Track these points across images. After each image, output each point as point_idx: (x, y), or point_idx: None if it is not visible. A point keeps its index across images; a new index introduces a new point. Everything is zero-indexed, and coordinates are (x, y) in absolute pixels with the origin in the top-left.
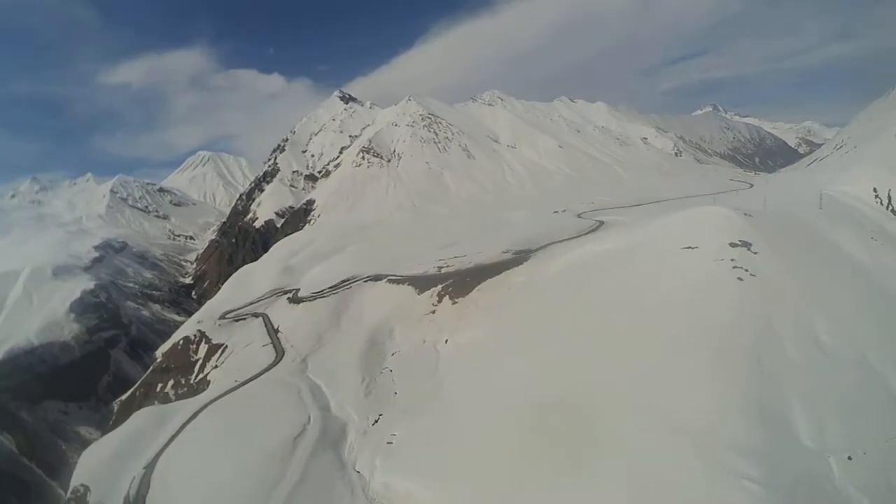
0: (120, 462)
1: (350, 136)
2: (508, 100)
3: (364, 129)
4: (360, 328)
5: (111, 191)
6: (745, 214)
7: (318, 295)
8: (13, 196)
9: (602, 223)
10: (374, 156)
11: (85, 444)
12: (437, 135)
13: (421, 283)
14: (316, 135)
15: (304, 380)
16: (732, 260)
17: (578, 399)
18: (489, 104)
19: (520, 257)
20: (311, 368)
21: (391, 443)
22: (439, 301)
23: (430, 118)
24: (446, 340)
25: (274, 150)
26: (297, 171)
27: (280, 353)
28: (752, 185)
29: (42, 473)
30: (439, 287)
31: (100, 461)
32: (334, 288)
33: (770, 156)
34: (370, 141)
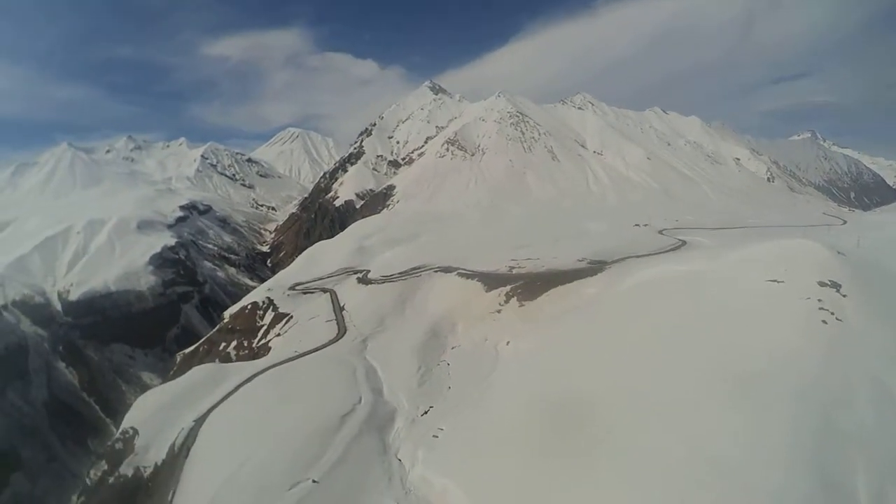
0: (172, 411)
1: (437, 127)
2: (599, 105)
3: (451, 121)
4: (423, 317)
5: (202, 156)
6: (839, 253)
7: (387, 279)
8: (108, 151)
9: (684, 243)
10: (458, 148)
11: (145, 388)
12: (523, 133)
13: (490, 280)
14: (403, 122)
15: (361, 360)
16: (819, 300)
17: (624, 428)
18: (579, 108)
19: (594, 268)
20: (370, 350)
21: (436, 436)
22: (506, 301)
23: (517, 116)
24: (507, 343)
25: (361, 133)
26: (381, 156)
27: (342, 331)
28: (844, 222)
29: (99, 410)
30: (508, 287)
31: (153, 408)
32: (403, 274)
33: (866, 192)
34: (456, 133)
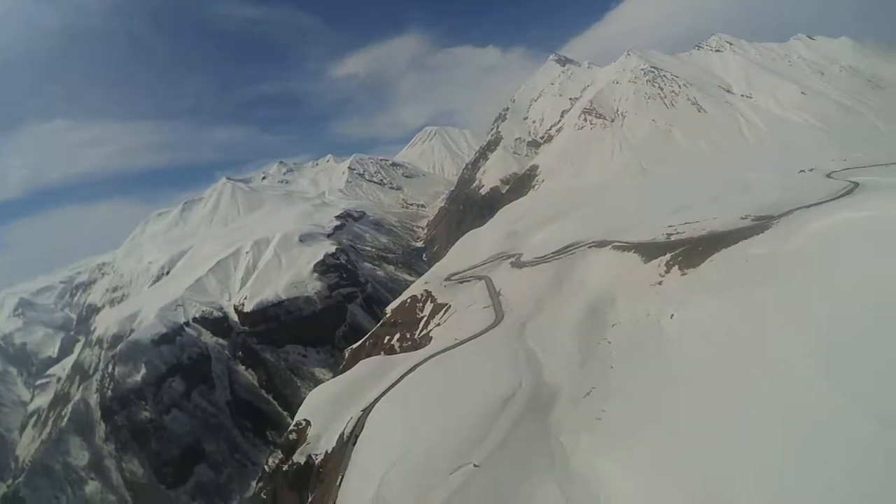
0: (342, 403)
1: (570, 99)
2: (738, 43)
3: (584, 90)
4: (580, 295)
5: (349, 168)
6: None
7: (541, 260)
8: (264, 178)
9: (856, 185)
10: (596, 117)
11: (318, 383)
12: (661, 89)
13: (648, 250)
14: (536, 101)
15: (520, 343)
16: None
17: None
18: (717, 50)
19: (760, 224)
20: (528, 333)
21: (600, 419)
22: (667, 271)
23: (653, 72)
24: (671, 316)
25: (496, 120)
26: (519, 139)
27: (499, 316)
28: None
29: (277, 405)
30: (667, 256)
31: (324, 400)
32: (557, 253)
33: None
34: (591, 102)
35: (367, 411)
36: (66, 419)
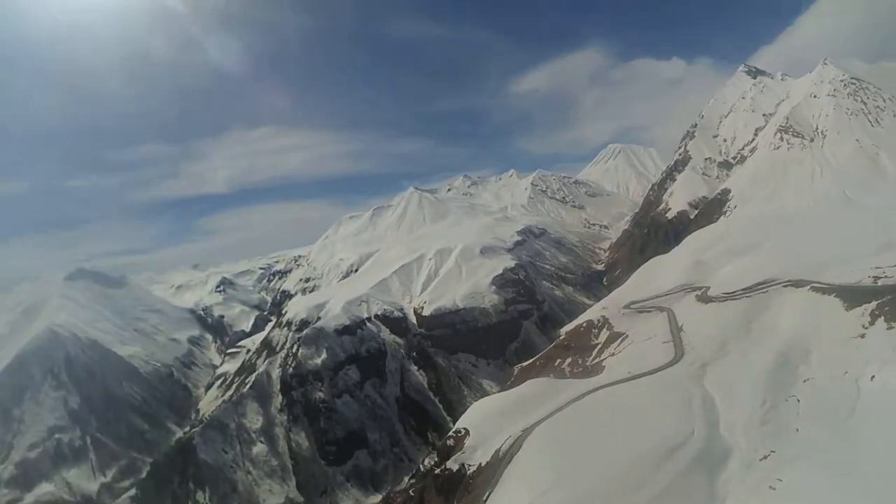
0: (503, 418)
1: (764, 115)
2: None
3: (779, 104)
4: (770, 342)
5: (532, 184)
6: None
7: (730, 296)
8: (449, 190)
9: None
10: (793, 135)
11: (484, 394)
12: (865, 104)
13: (851, 295)
14: (726, 117)
15: (698, 387)
16: None
17: None
18: None
19: None
20: (708, 376)
21: (775, 488)
22: (871, 322)
23: (854, 83)
24: (873, 377)
25: (683, 138)
26: (709, 158)
27: (679, 354)
28: None
29: (442, 409)
30: (874, 304)
31: (487, 413)
32: (748, 290)
33: None
34: (787, 118)
35: (526, 432)
36: (248, 386)
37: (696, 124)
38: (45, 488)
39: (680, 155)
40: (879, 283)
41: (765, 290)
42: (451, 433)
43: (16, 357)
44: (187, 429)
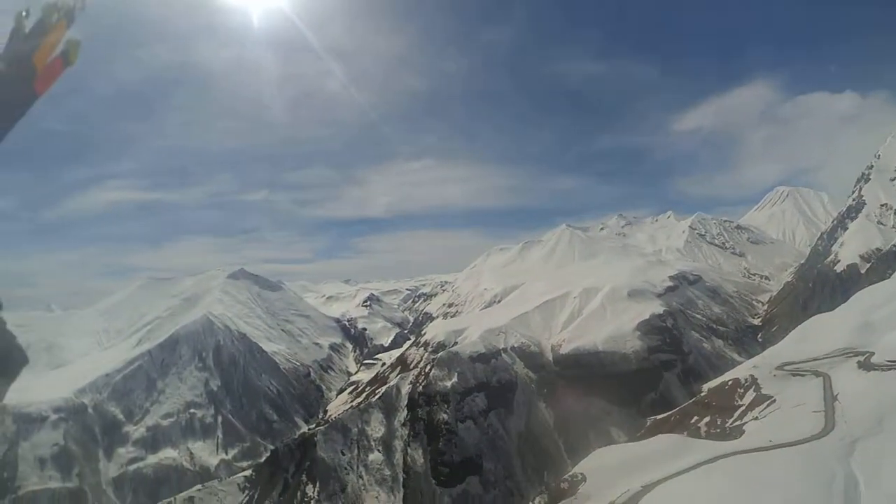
0: (624, 471)
1: None
2: None
3: None
4: None
5: (690, 227)
6: None
7: (894, 364)
8: (602, 228)
9: None
10: None
11: (610, 442)
12: None
13: None
14: None
15: (842, 466)
16: None
17: None
18: None
19: None
20: (857, 454)
21: None
22: None
23: None
24: None
25: (857, 181)
26: (885, 205)
27: (829, 425)
28: None
29: (563, 450)
30: None
31: (609, 462)
32: None
33: None
34: None
35: (645, 489)
36: (377, 396)
37: (871, 166)
38: (168, 453)
39: (853, 200)
40: None
41: None
42: (567, 476)
43: (170, 336)
44: (313, 426)
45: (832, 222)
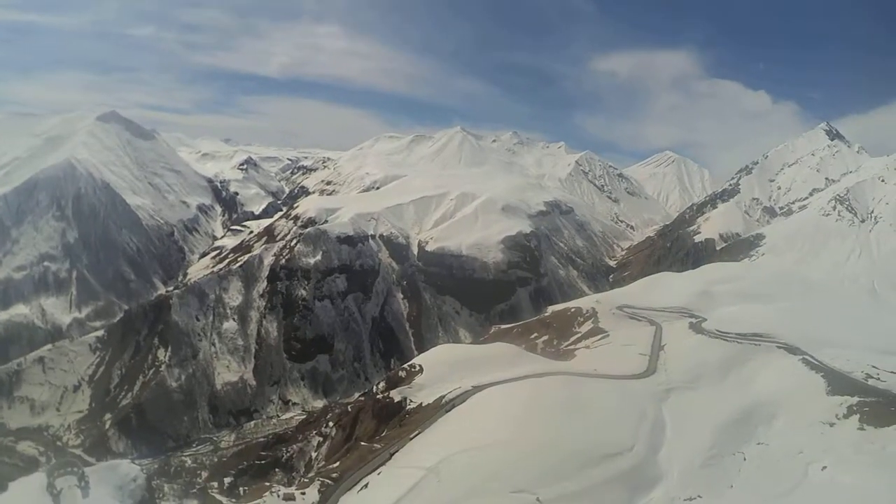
0: (460, 369)
1: (826, 179)
2: None
3: (844, 175)
4: (741, 393)
5: (576, 162)
6: None
7: (722, 335)
8: (494, 141)
9: None
10: (847, 209)
11: (455, 342)
12: None
13: (837, 382)
14: (789, 166)
15: (654, 408)
16: None
17: None
18: None
19: None
20: (669, 402)
21: None
22: (845, 416)
23: None
24: (824, 467)
25: (740, 171)
26: (756, 199)
27: (651, 370)
28: None
29: (413, 341)
30: (855, 399)
31: (447, 359)
32: (741, 336)
33: None
34: (847, 191)
35: (475, 389)
36: (238, 264)
37: (757, 162)
38: (20, 310)
39: (730, 185)
40: (869, 382)
41: (757, 342)
42: (405, 366)
43: (27, 181)
44: (171, 289)
45: (705, 197)
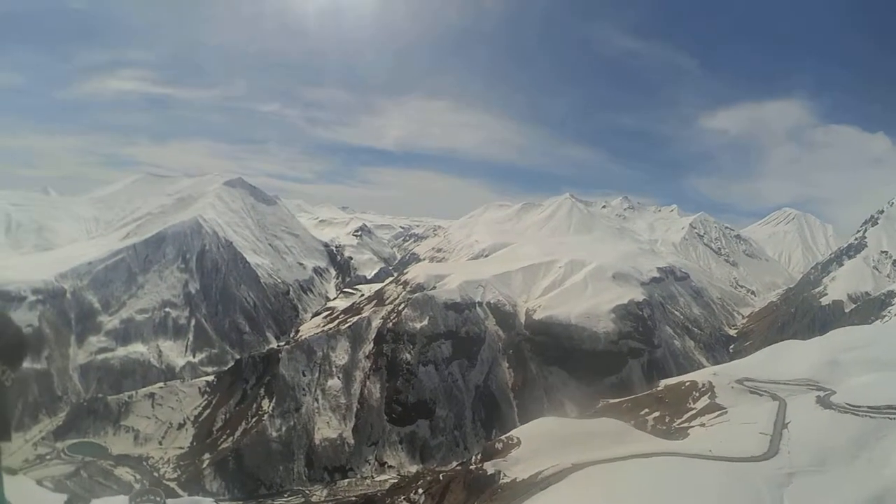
0: (560, 445)
1: None
2: None
3: None
4: (876, 476)
5: (690, 225)
6: None
7: (853, 409)
8: (603, 207)
9: None
10: None
11: (562, 414)
12: None
13: None
14: None
15: (773, 495)
16: None
17: None
18: None
19: None
20: (791, 488)
21: None
22: None
23: None
24: None
25: (865, 222)
26: (885, 252)
27: (772, 451)
28: None
29: (516, 412)
30: None
31: (548, 432)
32: (875, 409)
33: None
34: None
35: (575, 467)
36: (347, 325)
37: (883, 211)
38: (138, 348)
39: (856, 240)
40: None
41: (893, 416)
42: (502, 437)
43: (157, 234)
44: (282, 343)
45: (830, 255)
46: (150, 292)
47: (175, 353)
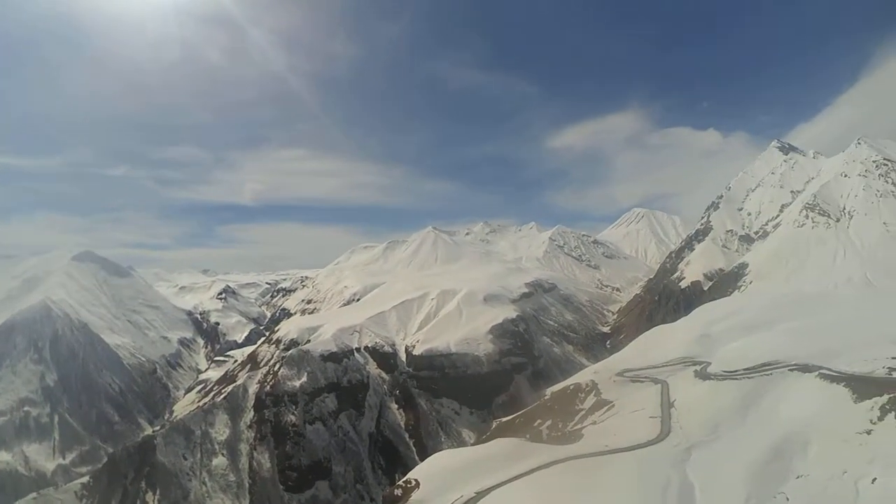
0: (460, 476)
1: (791, 192)
2: None
3: (808, 182)
4: (766, 429)
5: (550, 238)
6: None
7: (730, 375)
8: (467, 234)
9: None
10: (819, 214)
11: (461, 444)
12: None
13: (861, 386)
14: (753, 191)
15: (678, 472)
16: None
17: None
18: None
19: None
20: (692, 461)
21: None
22: (880, 418)
23: (886, 165)
24: (874, 479)
25: (707, 208)
26: (730, 231)
27: (665, 432)
28: None
29: (415, 452)
30: (885, 398)
31: (444, 467)
32: (751, 370)
33: None
34: (815, 196)
35: (479, 496)
36: (222, 396)
37: (721, 196)
38: (2, 457)
39: (702, 225)
40: (894, 375)
41: (769, 372)
42: (400, 482)
43: (4, 323)
44: (157, 428)
45: (681, 243)
46: (5, 391)
47: (42, 456)
